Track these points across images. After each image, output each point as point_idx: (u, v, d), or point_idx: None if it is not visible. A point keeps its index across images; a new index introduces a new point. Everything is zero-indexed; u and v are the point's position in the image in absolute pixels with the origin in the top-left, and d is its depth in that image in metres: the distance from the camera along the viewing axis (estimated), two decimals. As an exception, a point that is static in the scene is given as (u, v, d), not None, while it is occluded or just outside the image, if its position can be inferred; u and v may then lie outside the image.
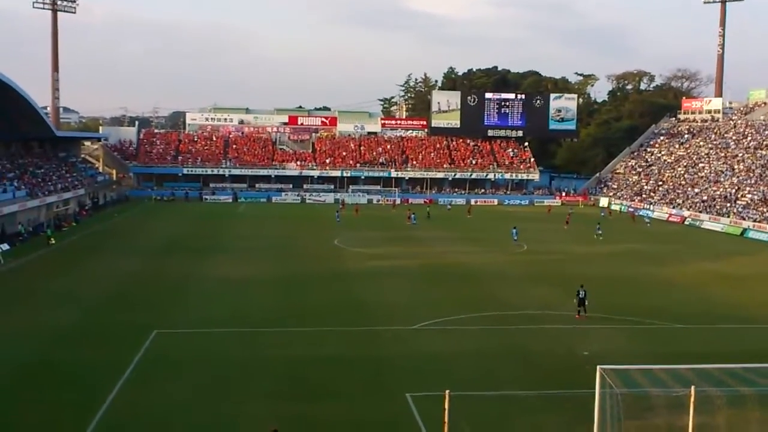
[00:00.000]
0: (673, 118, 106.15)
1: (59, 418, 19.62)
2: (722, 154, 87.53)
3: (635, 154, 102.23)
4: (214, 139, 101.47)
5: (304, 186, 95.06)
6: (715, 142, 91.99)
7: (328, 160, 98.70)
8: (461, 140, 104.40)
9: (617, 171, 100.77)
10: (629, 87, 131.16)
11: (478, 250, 51.88)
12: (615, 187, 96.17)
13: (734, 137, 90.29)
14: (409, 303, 34.01)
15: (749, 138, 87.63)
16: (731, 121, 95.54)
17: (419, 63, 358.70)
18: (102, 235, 57.88)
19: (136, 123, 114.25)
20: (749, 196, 73.60)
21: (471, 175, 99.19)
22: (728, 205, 73.70)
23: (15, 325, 29.03)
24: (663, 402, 18.68)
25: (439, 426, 17.62)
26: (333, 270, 42.68)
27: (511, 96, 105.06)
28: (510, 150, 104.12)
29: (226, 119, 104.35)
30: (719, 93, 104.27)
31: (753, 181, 76.67)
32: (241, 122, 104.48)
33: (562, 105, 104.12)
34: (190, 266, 42.93)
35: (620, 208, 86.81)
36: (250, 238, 56.15)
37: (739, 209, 71.42)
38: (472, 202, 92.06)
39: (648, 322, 31.16)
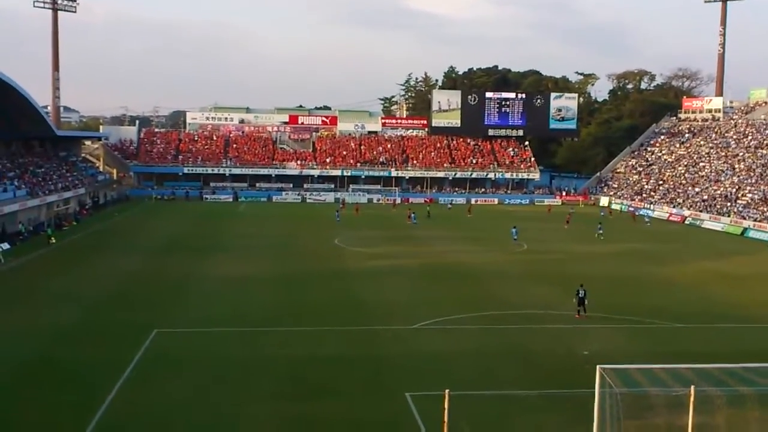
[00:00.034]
0: (674, 118, 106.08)
1: (59, 417, 19.64)
2: (723, 154, 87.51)
3: (636, 153, 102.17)
4: (215, 138, 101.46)
5: (305, 185, 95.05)
6: (715, 142, 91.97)
7: (328, 160, 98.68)
8: (461, 139, 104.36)
9: (618, 170, 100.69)
10: (630, 86, 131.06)
11: (479, 250, 51.89)
12: (615, 186, 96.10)
13: (735, 137, 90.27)
14: (409, 302, 34.01)
15: (750, 137, 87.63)
16: (732, 121, 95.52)
17: (419, 62, 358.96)
18: (102, 235, 57.92)
19: (137, 122, 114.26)
20: (750, 195, 73.57)
21: (471, 174, 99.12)
22: (728, 204, 73.67)
23: (15, 324, 29.06)
24: (663, 401, 18.67)
25: (439, 425, 17.62)
26: (333, 269, 42.69)
27: (512, 95, 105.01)
28: (510, 149, 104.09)
29: (226, 118, 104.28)
30: (720, 92, 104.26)
31: (753, 181, 76.65)
32: (242, 121, 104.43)
33: (563, 104, 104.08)
34: (190, 265, 42.95)
35: (621, 208, 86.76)
36: (250, 237, 56.17)
37: (740, 209, 71.39)
38: (473, 201, 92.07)
39: (648, 322, 31.16)
